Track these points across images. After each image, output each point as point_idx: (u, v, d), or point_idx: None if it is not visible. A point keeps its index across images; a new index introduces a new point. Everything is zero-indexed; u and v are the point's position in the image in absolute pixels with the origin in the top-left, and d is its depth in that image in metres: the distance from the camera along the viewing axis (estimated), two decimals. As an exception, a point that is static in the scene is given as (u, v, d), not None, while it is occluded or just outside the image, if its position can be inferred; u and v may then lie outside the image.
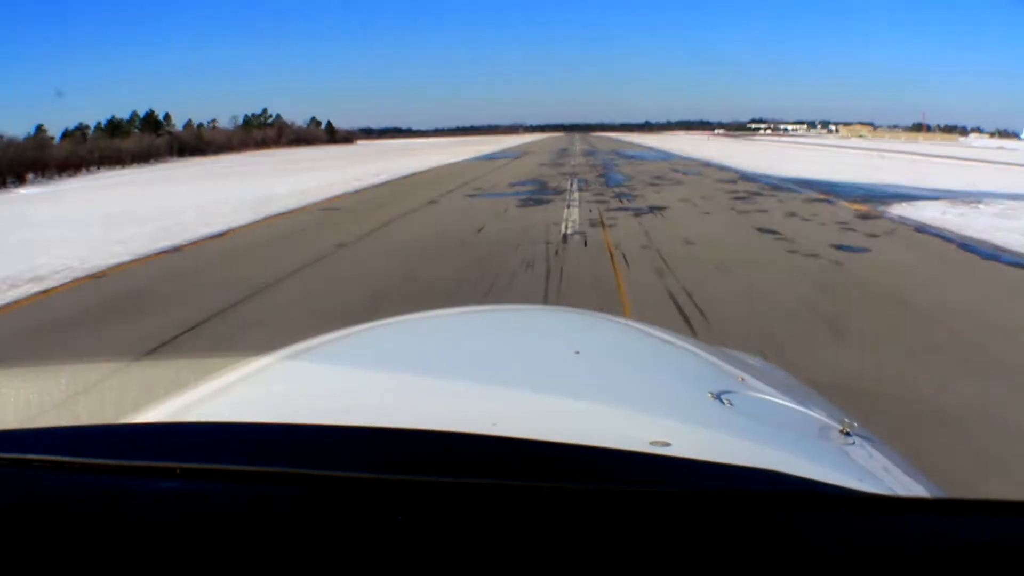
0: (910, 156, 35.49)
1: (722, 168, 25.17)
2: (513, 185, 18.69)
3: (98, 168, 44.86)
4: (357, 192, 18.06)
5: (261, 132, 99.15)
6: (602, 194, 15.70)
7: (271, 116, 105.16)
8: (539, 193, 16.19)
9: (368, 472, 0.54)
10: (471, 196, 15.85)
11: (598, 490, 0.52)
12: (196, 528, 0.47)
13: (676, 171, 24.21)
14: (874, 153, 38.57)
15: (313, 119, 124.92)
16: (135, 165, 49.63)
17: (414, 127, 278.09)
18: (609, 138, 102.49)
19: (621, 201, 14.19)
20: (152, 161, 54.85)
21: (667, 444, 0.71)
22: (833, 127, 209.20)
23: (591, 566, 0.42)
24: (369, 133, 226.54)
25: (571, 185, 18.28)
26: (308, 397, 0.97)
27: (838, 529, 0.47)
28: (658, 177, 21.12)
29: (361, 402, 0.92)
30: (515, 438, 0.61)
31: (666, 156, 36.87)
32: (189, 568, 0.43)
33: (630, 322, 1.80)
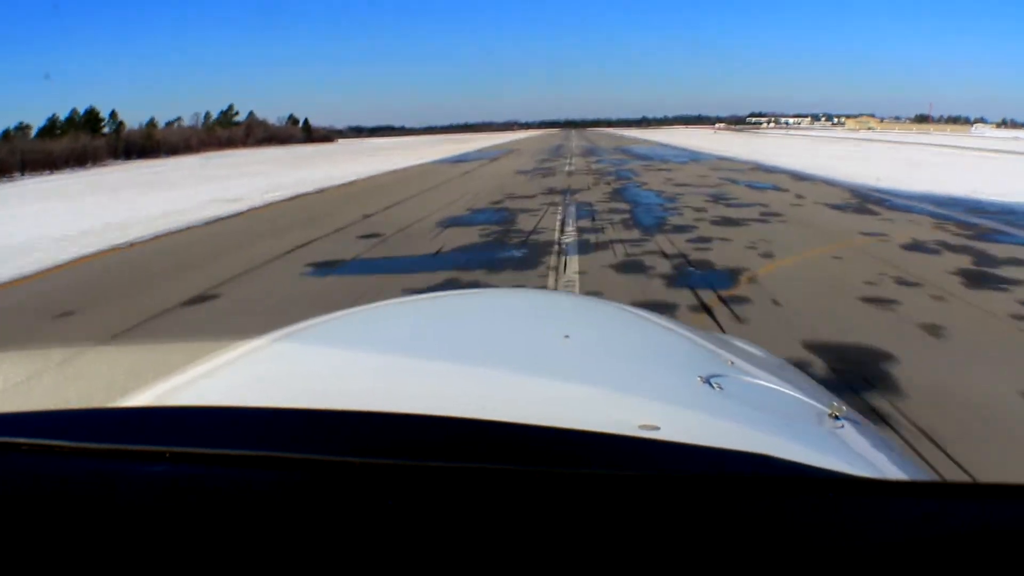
0: (975, 152, 27.18)
1: (797, 176, 16.21)
2: (447, 225, 9.71)
3: (22, 174, 38.95)
4: (154, 240, 9.53)
5: (227, 131, 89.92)
6: (637, 262, 6.90)
7: (236, 113, 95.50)
8: (489, 255, 7.19)
9: (357, 456, 0.53)
10: (322, 272, 6.72)
11: (587, 474, 0.52)
12: (185, 512, 0.47)
13: (732, 181, 15.24)
14: (926, 148, 31.63)
15: (291, 117, 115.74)
16: (68, 169, 43.70)
17: (408, 125, 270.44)
18: (608, 134, 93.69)
19: (695, 295, 5.32)
20: (89, 164, 49.40)
21: (656, 428, 0.72)
22: (837, 119, 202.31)
23: (580, 550, 0.42)
24: (359, 131, 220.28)
25: (563, 223, 9.31)
26: (297, 381, 0.97)
27: (827, 513, 0.47)
28: (717, 198, 12.02)
29: (350, 386, 0.91)
30: (504, 422, 0.60)
31: (694, 156, 27.89)
32: (178, 552, 0.43)
33: (620, 305, 1.70)
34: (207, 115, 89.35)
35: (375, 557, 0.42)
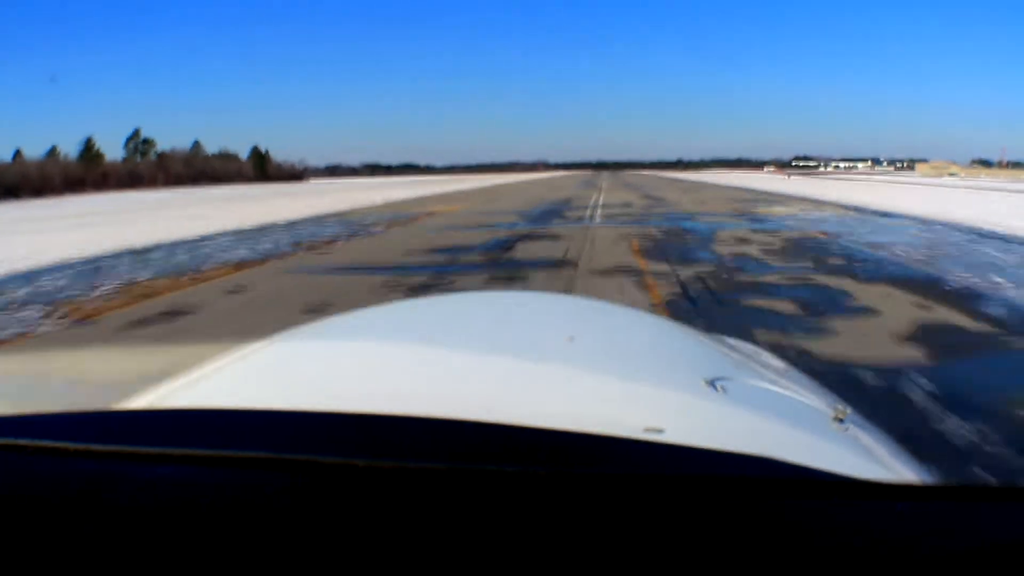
0: None
1: None
2: None
3: None
4: None
5: (129, 164, 66.46)
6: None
7: (146, 141, 71.04)
8: None
9: (362, 458, 0.53)
10: None
11: (592, 476, 0.52)
12: (189, 514, 0.47)
13: None
14: None
15: (254, 149, 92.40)
16: None
17: (434, 163, 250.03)
18: (656, 178, 67.09)
19: None
20: None
21: (661, 430, 0.71)
22: (900, 164, 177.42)
23: (584, 551, 0.42)
24: (375, 170, 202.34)
25: None
26: (302, 383, 0.96)
27: (831, 515, 0.47)
28: None
29: (354, 388, 0.91)
30: (508, 424, 0.60)
31: None
32: (182, 554, 0.43)
33: (624, 307, 1.69)
34: (87, 144, 64.34)
35: (380, 559, 0.42)
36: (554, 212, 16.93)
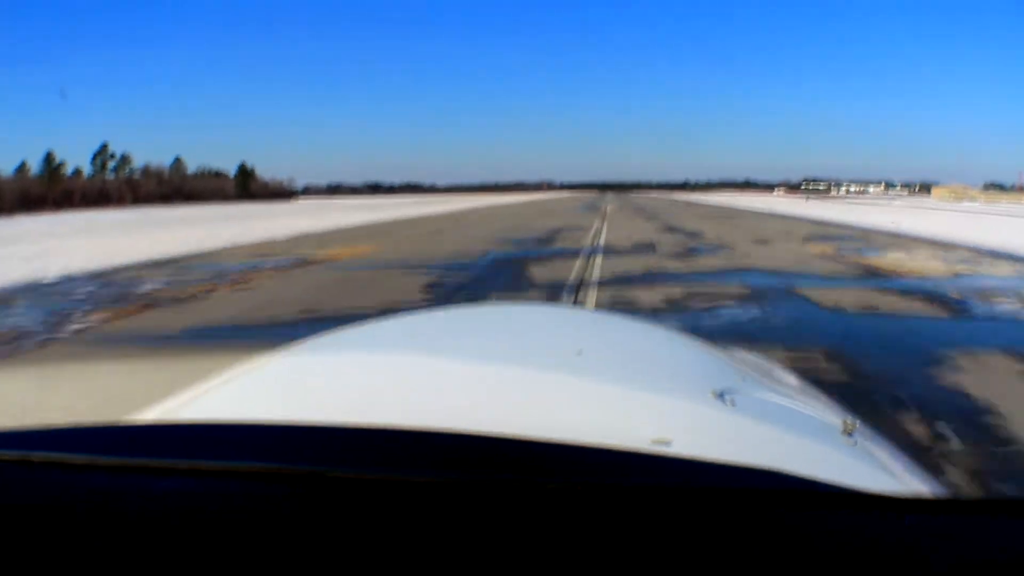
0: None
1: None
2: None
3: None
4: None
5: (97, 181, 61.51)
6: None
7: (113, 156, 65.83)
8: None
9: (370, 471, 0.54)
10: None
11: (599, 487, 0.51)
12: (197, 527, 0.47)
13: None
14: None
15: (241, 166, 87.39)
16: None
17: (437, 183, 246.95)
18: (671, 201, 61.91)
19: None
20: None
21: (668, 442, 0.72)
22: (914, 187, 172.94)
23: (591, 563, 0.42)
24: (376, 189, 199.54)
25: None
26: (310, 395, 0.98)
27: (839, 528, 0.47)
28: None
29: (363, 401, 0.91)
30: (516, 437, 0.60)
31: None
32: (190, 567, 0.43)
33: (633, 319, 1.72)
34: (48, 159, 59.03)
35: (384, 571, 0.42)
36: (516, 264, 10.76)
